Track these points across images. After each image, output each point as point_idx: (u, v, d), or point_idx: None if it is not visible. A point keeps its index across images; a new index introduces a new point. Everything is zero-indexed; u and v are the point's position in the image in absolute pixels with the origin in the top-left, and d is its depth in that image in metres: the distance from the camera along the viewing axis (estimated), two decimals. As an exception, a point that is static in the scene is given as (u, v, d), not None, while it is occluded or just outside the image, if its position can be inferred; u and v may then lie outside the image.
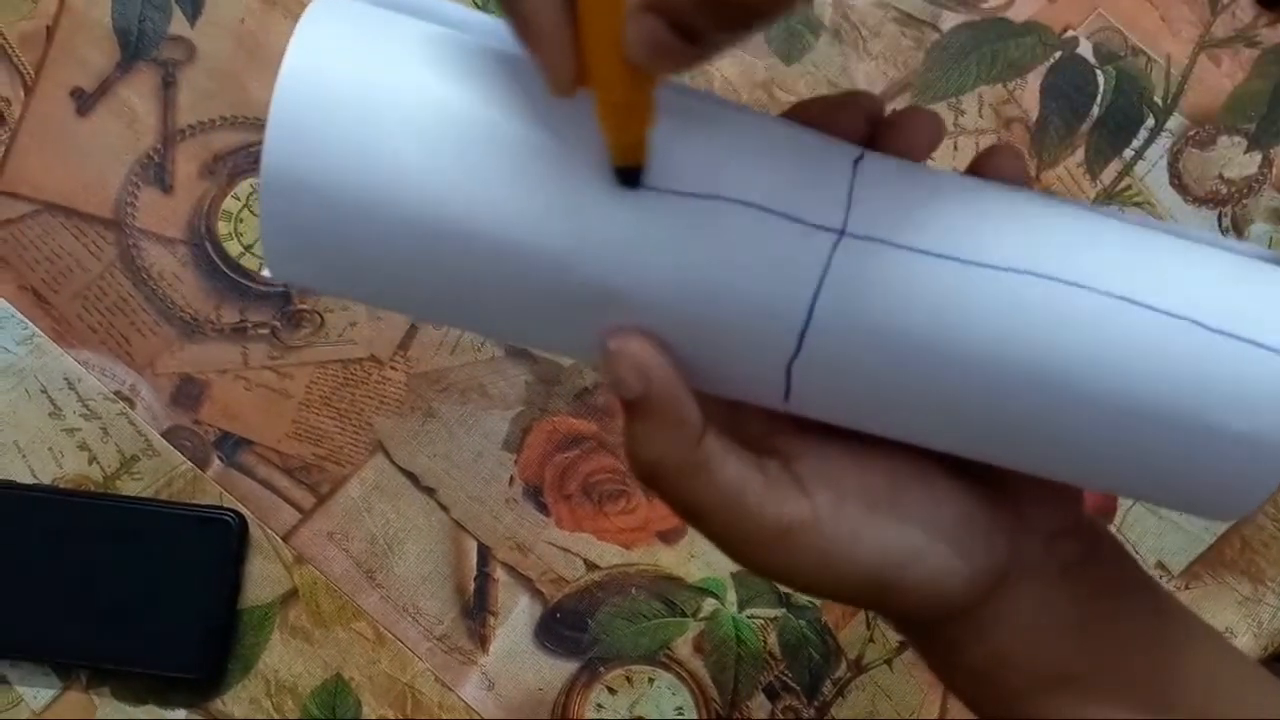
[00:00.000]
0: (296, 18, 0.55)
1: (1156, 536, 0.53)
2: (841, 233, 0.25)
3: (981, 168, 0.28)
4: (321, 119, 0.25)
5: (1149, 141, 0.54)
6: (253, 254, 0.51)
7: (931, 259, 0.25)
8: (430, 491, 0.52)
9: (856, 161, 0.26)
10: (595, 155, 0.25)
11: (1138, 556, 0.53)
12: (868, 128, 0.28)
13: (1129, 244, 0.27)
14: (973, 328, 0.25)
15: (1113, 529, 0.53)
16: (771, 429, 0.30)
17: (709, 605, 0.52)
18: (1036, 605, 0.30)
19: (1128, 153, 0.54)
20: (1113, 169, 0.54)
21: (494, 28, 0.27)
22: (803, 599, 0.52)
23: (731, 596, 0.52)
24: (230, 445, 0.51)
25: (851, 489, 0.28)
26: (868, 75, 0.54)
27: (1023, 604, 0.30)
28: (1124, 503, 0.53)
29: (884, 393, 0.26)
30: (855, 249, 0.25)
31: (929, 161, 0.28)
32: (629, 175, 0.25)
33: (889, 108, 0.28)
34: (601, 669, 0.52)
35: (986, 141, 0.54)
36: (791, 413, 0.28)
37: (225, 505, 0.51)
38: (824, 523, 0.27)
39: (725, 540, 0.28)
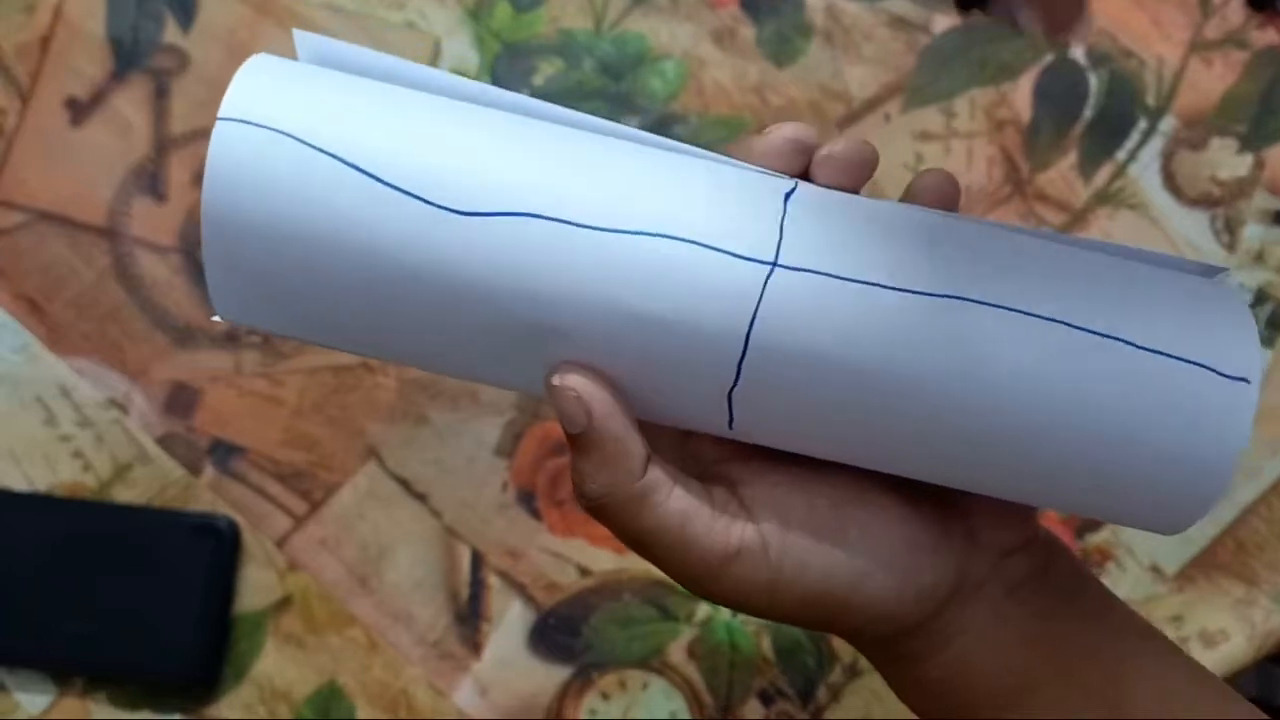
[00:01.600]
0: (288, 27, 0.56)
1: (1151, 539, 0.52)
2: (774, 264, 0.26)
3: (915, 193, 0.29)
4: (259, 163, 0.25)
5: (1141, 144, 0.54)
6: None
7: (862, 287, 0.26)
8: (422, 498, 0.52)
9: (788, 195, 0.27)
10: (531, 192, 0.26)
11: (1132, 559, 0.52)
12: (804, 159, 0.28)
13: (1059, 266, 0.27)
14: (904, 353, 0.26)
15: (1108, 531, 0.52)
16: (721, 456, 0.30)
17: (702, 610, 0.52)
18: (989, 619, 0.30)
19: (1120, 155, 0.54)
20: (1105, 171, 0.54)
21: (434, 79, 0.28)
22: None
23: (725, 601, 0.52)
24: (223, 452, 0.52)
25: (798, 514, 0.28)
26: (859, 79, 0.54)
27: (975, 618, 0.30)
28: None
29: (823, 418, 0.27)
30: (787, 280, 0.26)
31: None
32: None
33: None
34: (595, 675, 0.52)
35: (979, 145, 0.54)
36: (737, 439, 0.29)
37: (218, 512, 0.51)
38: (770, 549, 0.28)
39: (673, 569, 0.28)
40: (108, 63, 0.53)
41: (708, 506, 0.28)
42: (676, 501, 0.28)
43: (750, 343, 0.26)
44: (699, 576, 0.28)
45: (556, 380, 0.27)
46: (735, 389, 0.27)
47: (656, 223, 0.26)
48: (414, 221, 0.25)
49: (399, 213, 0.25)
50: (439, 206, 0.25)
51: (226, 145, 0.25)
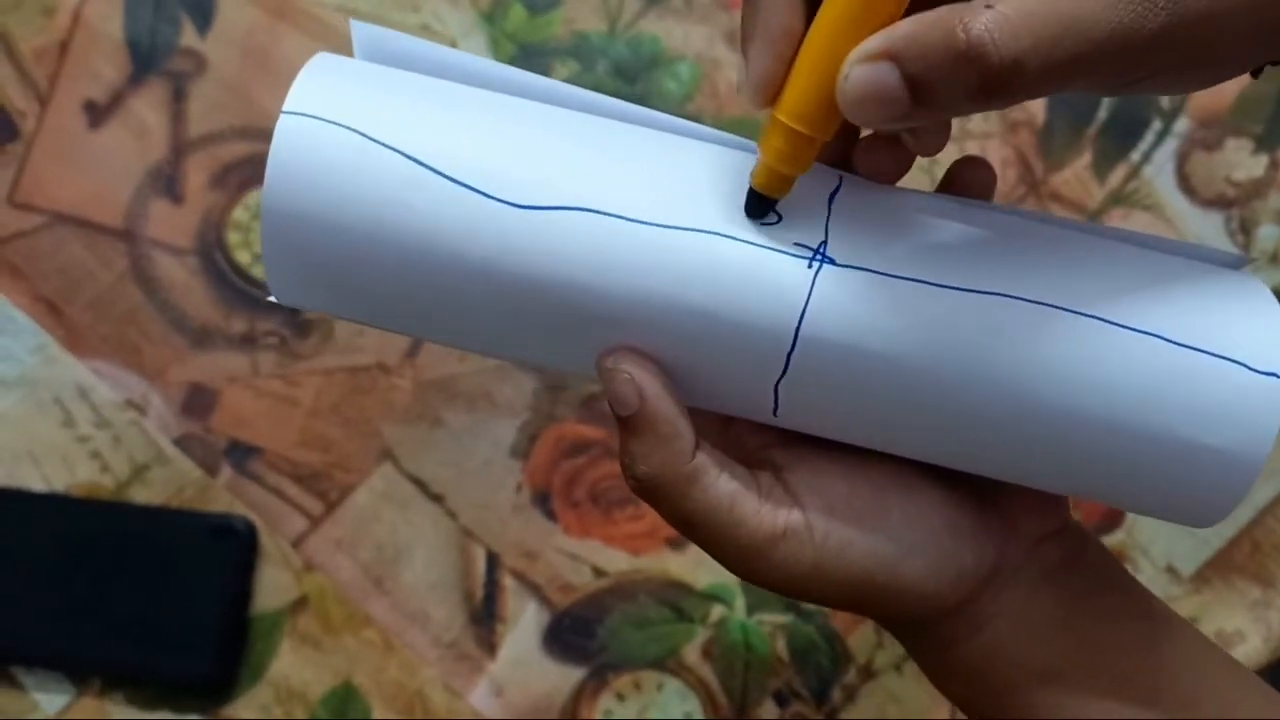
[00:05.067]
0: (304, 30, 0.56)
1: (1166, 540, 0.52)
2: (822, 261, 0.26)
3: (953, 180, 0.30)
4: (321, 156, 0.26)
5: (1156, 145, 0.54)
6: (262, 263, 0.52)
7: (905, 283, 0.26)
8: (438, 499, 0.52)
9: (833, 193, 0.28)
10: (588, 188, 0.26)
11: (1148, 560, 0.52)
12: (844, 145, 0.29)
13: (1096, 261, 0.28)
14: (946, 347, 0.26)
15: (1123, 532, 0.52)
16: (764, 442, 0.31)
17: (718, 611, 0.52)
18: (1023, 604, 0.30)
19: (1135, 156, 0.54)
20: (1120, 172, 0.54)
21: (491, 72, 0.29)
22: (812, 605, 0.52)
23: (740, 602, 0.52)
24: (240, 453, 0.52)
25: (841, 498, 0.29)
26: (873, 81, 0.54)
27: (1010, 603, 0.30)
28: (1133, 507, 0.53)
29: (866, 409, 0.28)
30: (835, 276, 0.26)
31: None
32: (762, 206, 0.26)
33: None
34: (610, 675, 0.52)
35: (993, 146, 0.54)
36: (781, 427, 0.29)
37: (235, 513, 0.51)
38: (815, 530, 0.28)
39: (720, 550, 0.29)
40: (125, 66, 0.53)
41: (754, 489, 0.29)
42: (725, 484, 0.28)
43: (799, 337, 0.26)
44: (745, 558, 0.29)
45: (610, 363, 0.27)
46: (782, 380, 0.27)
47: (709, 220, 0.26)
48: (473, 215, 0.26)
49: (458, 206, 0.26)
50: (498, 200, 0.26)
51: (290, 138, 0.26)
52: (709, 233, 0.26)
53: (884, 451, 0.29)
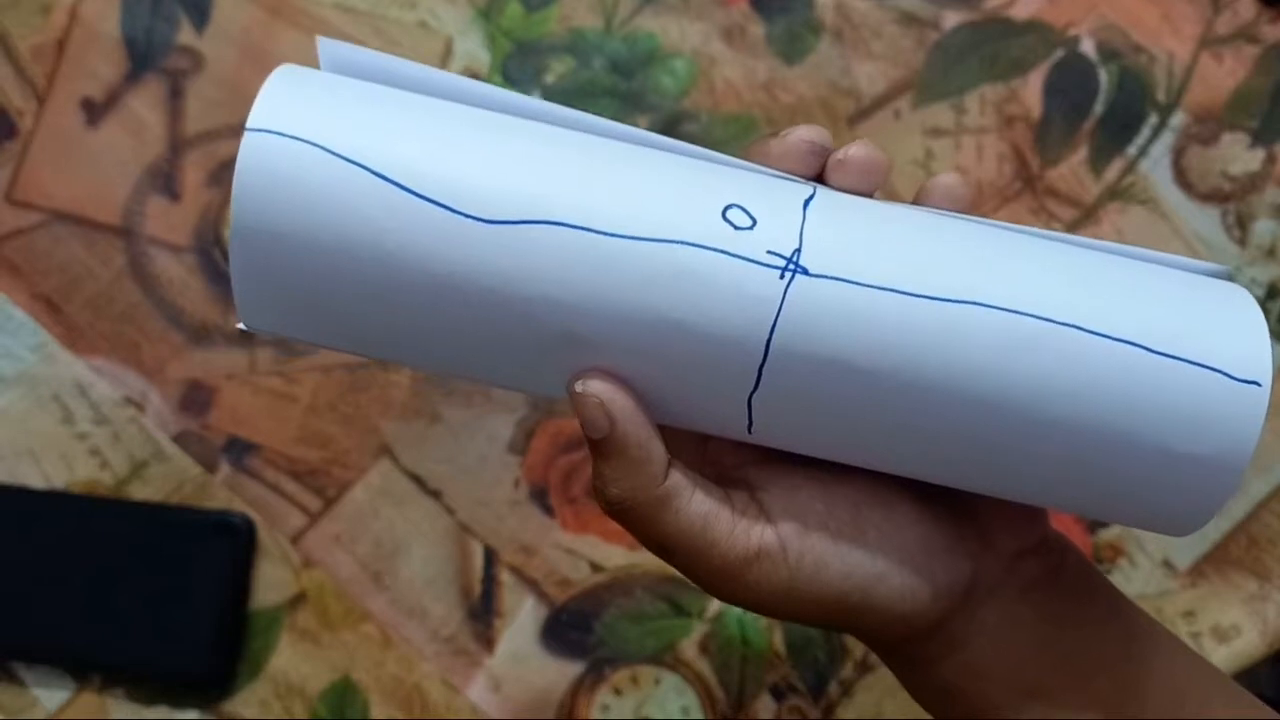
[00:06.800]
0: (301, 28, 0.56)
1: (1163, 535, 0.52)
2: (794, 271, 0.26)
3: (927, 195, 0.29)
4: (286, 174, 0.26)
5: (1152, 139, 0.54)
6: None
7: (880, 293, 0.26)
8: (436, 495, 0.52)
9: (807, 201, 0.27)
10: (556, 201, 0.26)
11: (1143, 554, 0.52)
12: (820, 160, 0.29)
13: (1073, 270, 0.27)
14: (921, 359, 0.26)
15: (1120, 527, 0.52)
16: (741, 460, 0.31)
17: (714, 605, 0.52)
18: (1002, 621, 0.30)
19: (1131, 150, 0.54)
20: (1116, 167, 0.54)
21: (457, 86, 0.28)
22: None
23: (737, 597, 0.52)
24: (238, 450, 0.52)
25: (816, 516, 0.29)
26: (869, 76, 0.54)
27: (989, 620, 0.30)
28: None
29: (841, 422, 0.27)
30: (808, 286, 0.26)
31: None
32: None
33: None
34: (607, 670, 0.52)
35: (989, 141, 0.54)
36: (756, 443, 0.29)
37: (234, 509, 0.51)
38: (790, 551, 0.28)
39: (693, 572, 0.29)
40: (123, 64, 0.53)
41: (728, 510, 0.28)
42: (698, 505, 0.28)
43: (771, 349, 0.26)
44: (719, 579, 0.28)
45: (579, 387, 0.27)
46: (755, 394, 0.27)
47: (678, 230, 0.26)
48: (440, 230, 0.26)
49: (425, 221, 0.26)
50: (465, 215, 0.26)
51: (255, 156, 0.25)
52: (679, 243, 0.26)
53: (860, 467, 0.29)
